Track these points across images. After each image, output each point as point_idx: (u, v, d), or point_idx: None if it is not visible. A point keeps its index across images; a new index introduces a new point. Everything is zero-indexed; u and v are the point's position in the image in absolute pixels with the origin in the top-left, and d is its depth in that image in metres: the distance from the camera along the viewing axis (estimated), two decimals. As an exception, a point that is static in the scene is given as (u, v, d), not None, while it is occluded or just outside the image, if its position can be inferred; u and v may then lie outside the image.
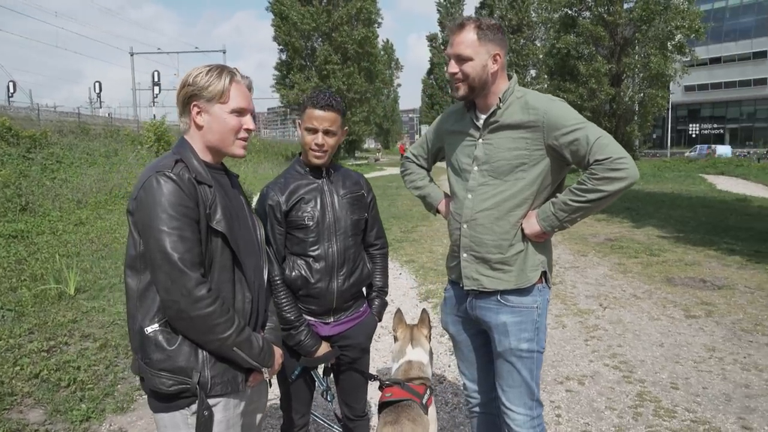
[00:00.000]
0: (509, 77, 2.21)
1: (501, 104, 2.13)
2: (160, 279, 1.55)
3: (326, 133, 2.20)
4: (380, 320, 2.52)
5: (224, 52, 43.80)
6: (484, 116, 2.18)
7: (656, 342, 4.79)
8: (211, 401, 1.65)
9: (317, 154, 2.22)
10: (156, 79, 42.34)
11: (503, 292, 2.20)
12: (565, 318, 5.46)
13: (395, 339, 2.75)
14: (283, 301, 2.21)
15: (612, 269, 7.50)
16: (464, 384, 2.57)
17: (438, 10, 58.83)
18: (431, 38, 62.64)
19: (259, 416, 1.98)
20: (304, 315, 2.29)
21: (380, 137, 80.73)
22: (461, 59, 2.09)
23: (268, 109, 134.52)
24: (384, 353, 4.51)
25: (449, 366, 4.32)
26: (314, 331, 2.30)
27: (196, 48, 56.72)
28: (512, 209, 2.15)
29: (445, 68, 2.20)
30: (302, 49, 39.19)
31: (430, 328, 2.75)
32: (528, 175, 2.12)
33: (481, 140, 2.19)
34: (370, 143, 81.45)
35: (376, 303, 2.50)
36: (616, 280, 6.94)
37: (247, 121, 1.75)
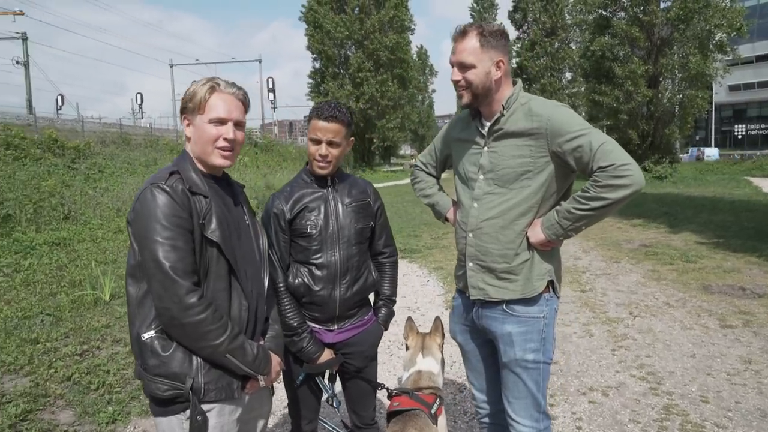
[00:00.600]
0: (514, 83, 2.18)
1: (505, 111, 2.11)
2: (154, 287, 1.60)
3: (330, 144, 2.22)
4: (386, 329, 2.53)
5: (260, 62, 44.74)
6: (488, 124, 2.17)
7: (687, 353, 4.63)
8: (205, 407, 1.68)
9: (321, 164, 2.25)
10: (194, 90, 43.49)
11: (509, 302, 2.18)
12: (593, 326, 5.34)
13: (407, 348, 2.73)
14: (286, 307, 2.24)
15: (645, 276, 7.30)
16: (473, 394, 2.55)
17: (471, 15, 58.60)
18: (465, 43, 62.41)
19: (261, 423, 2.01)
20: (307, 322, 2.31)
21: (415, 143, 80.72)
22: (464, 67, 2.08)
23: (304, 117, 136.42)
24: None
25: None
26: (317, 338, 2.32)
27: (233, 58, 57.99)
28: (517, 218, 2.12)
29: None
30: (335, 57, 39.66)
31: (443, 336, 2.70)
32: (533, 183, 2.09)
33: (486, 148, 2.17)
34: (405, 149, 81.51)
35: (383, 312, 2.51)
36: (649, 287, 6.75)
37: (226, 131, 1.75)
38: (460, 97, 2.16)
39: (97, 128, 26.04)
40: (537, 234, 2.11)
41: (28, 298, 6.29)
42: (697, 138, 53.94)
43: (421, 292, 7.07)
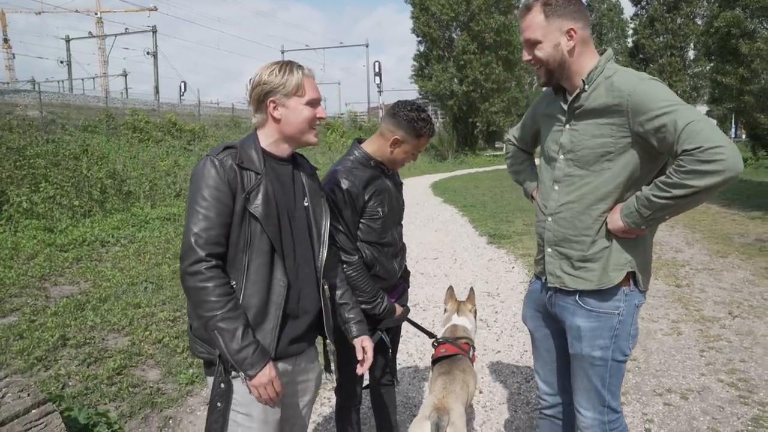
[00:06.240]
0: (603, 52, 1.98)
1: (586, 86, 1.93)
2: (181, 248, 1.74)
3: None
4: (408, 287, 2.84)
5: (367, 46, 45.37)
6: (570, 99, 2.01)
7: (792, 360, 4.15)
8: (233, 375, 1.77)
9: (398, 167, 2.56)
10: (304, 74, 45.10)
11: (582, 293, 2.04)
12: (683, 324, 4.94)
13: (445, 311, 3.22)
14: (363, 277, 2.40)
15: (755, 274, 6.58)
16: (537, 384, 2.45)
17: (585, -9, 55.14)
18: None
19: (306, 398, 2.05)
20: None
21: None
22: (531, 44, 1.95)
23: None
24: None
25: (538, 365, 4.14)
26: None
27: (341, 43, 59.44)
28: (594, 203, 1.96)
29: None
30: (440, 39, 39.28)
31: (474, 304, 3.22)
32: (614, 166, 1.91)
33: (567, 126, 2.02)
34: (510, 133, 78.75)
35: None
36: (758, 286, 6.09)
37: (320, 111, 1.90)
38: (537, 77, 2.06)
39: (213, 112, 27.90)
40: (615, 221, 1.94)
41: (137, 267, 6.95)
42: None
43: (504, 278, 6.94)
